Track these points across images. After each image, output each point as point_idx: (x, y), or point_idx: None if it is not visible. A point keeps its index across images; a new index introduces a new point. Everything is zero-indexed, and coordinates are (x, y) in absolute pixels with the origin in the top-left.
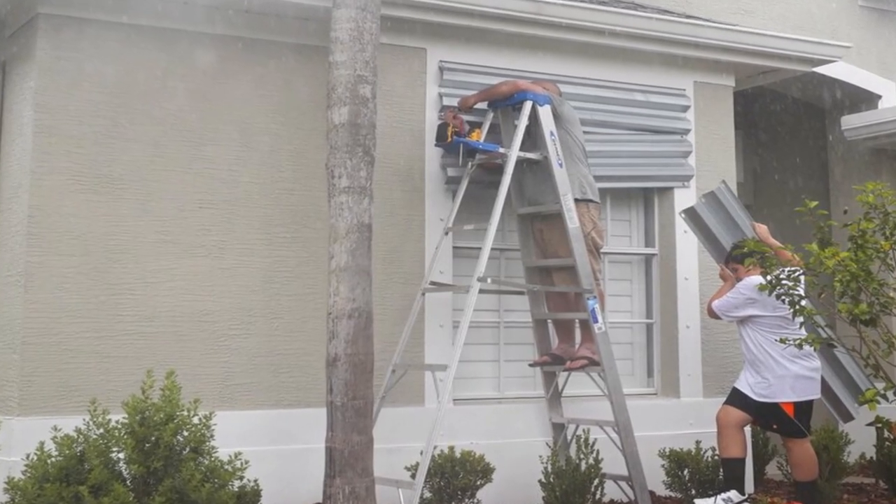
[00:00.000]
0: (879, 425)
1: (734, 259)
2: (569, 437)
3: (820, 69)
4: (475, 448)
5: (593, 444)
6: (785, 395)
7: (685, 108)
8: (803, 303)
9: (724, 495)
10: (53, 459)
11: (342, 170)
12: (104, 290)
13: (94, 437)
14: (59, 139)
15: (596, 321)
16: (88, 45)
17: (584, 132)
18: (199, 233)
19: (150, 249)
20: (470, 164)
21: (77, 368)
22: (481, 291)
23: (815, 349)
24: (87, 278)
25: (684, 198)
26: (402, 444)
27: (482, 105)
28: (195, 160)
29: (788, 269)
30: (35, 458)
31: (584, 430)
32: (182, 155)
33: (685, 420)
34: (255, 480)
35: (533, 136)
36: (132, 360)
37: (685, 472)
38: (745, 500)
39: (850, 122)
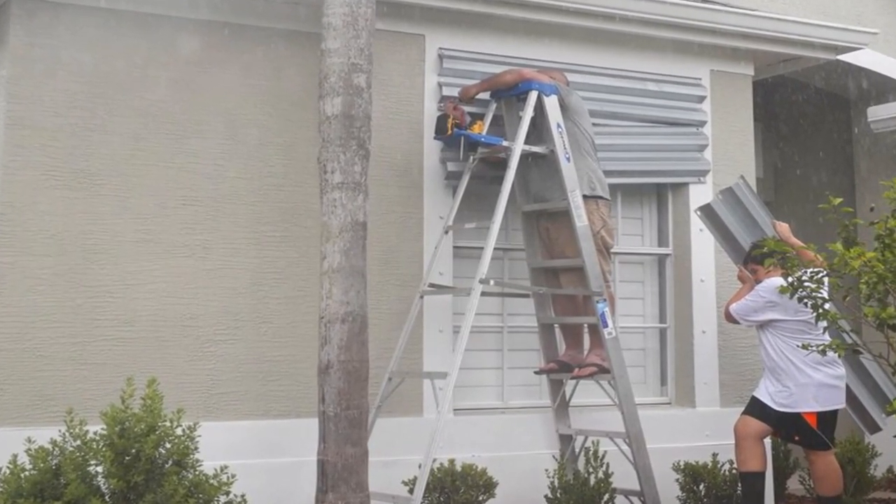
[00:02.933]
0: None
1: (753, 259)
2: (577, 450)
3: (844, 57)
4: (477, 461)
5: (603, 456)
6: (807, 404)
7: (701, 99)
8: (827, 306)
9: None
10: (27, 473)
11: (335, 164)
12: (81, 292)
13: (71, 449)
14: (32, 131)
15: (606, 326)
16: (64, 31)
17: (594, 124)
18: (183, 231)
19: (130, 249)
20: (471, 158)
21: (52, 376)
22: (483, 294)
23: (839, 356)
24: (63, 280)
25: (700, 194)
26: (399, 456)
27: (484, 95)
28: (178, 154)
29: (811, 270)
30: (7, 471)
31: (593, 442)
32: (164, 148)
33: (701, 431)
34: (243, 496)
35: (539, 129)
36: (111, 367)
37: (701, 486)
38: None
39: (876, 113)
